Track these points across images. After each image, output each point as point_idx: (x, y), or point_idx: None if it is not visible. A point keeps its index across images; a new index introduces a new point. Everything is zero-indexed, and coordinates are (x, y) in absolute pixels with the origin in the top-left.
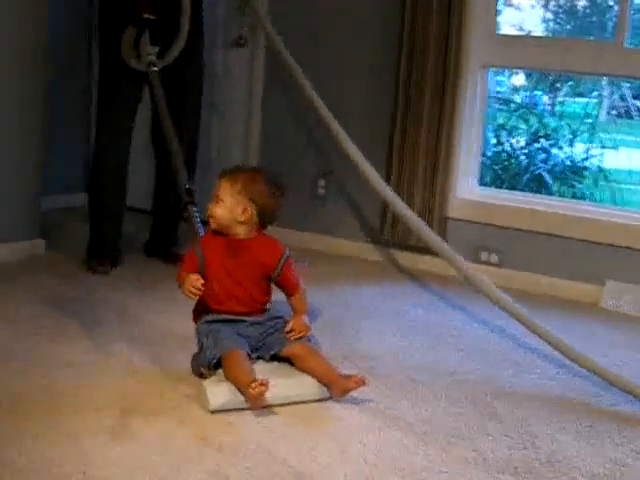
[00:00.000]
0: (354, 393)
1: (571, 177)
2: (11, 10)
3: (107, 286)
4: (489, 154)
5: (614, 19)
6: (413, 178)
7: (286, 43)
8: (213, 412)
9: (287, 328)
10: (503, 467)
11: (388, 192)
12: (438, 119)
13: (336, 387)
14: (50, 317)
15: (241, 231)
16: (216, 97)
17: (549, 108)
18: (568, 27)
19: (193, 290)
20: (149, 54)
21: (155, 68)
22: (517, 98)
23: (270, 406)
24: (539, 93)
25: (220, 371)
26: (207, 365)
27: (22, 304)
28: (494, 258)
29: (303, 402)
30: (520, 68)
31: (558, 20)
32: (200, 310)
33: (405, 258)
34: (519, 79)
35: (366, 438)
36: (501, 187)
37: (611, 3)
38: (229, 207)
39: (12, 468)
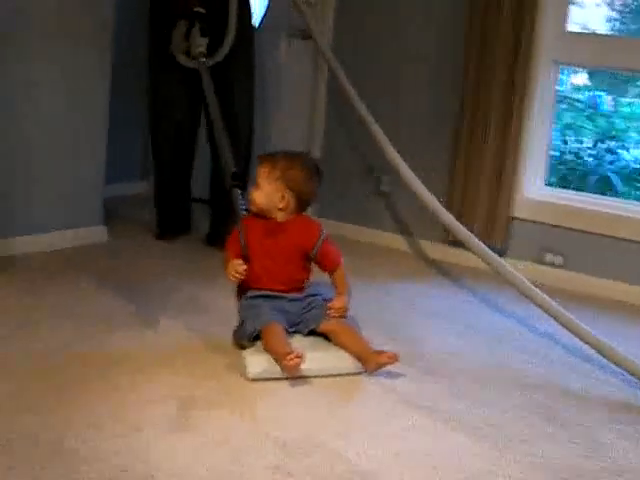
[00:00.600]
0: (416, 392)
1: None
2: (77, 9)
3: (166, 273)
4: (555, 154)
5: None
6: (479, 177)
7: (349, 39)
8: (253, 380)
9: (329, 305)
10: (569, 475)
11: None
12: (506, 117)
13: (370, 362)
14: (109, 305)
15: (280, 215)
16: (280, 89)
17: (612, 109)
18: (633, 27)
19: (236, 275)
20: (199, 45)
21: (204, 59)
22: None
23: (306, 377)
24: (601, 93)
25: (259, 343)
26: (247, 337)
27: (83, 291)
28: (559, 260)
29: (338, 375)
30: (592, 67)
31: (623, 20)
32: (243, 288)
33: (469, 258)
34: (580, 78)
35: (428, 439)
36: (567, 188)
37: None
38: (268, 194)
39: (75, 457)
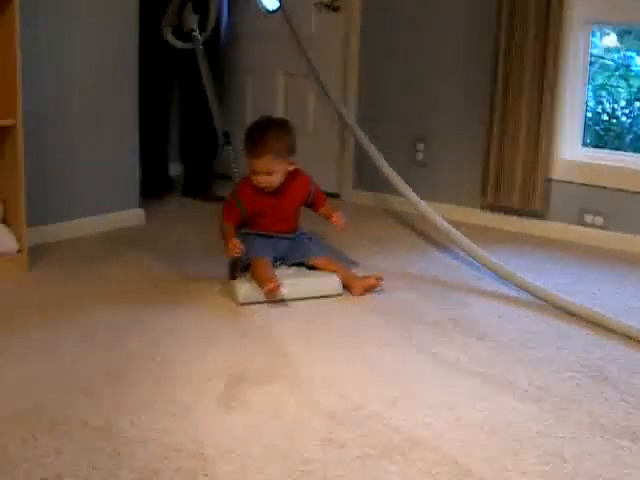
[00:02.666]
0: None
1: None
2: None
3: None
4: (589, 115)
5: None
6: (516, 140)
7: None
8: (242, 304)
9: (332, 220)
10: (621, 432)
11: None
12: (541, 79)
13: (356, 287)
14: (155, 285)
15: (284, 177)
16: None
17: None
18: None
19: (235, 253)
20: (192, 21)
21: (196, 33)
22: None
23: (293, 300)
24: (633, 54)
25: (247, 275)
26: (241, 267)
27: (125, 273)
28: (599, 220)
29: (320, 297)
30: (627, 24)
31: None
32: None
33: (508, 222)
34: (610, 40)
35: (480, 404)
36: (603, 148)
37: None
38: (283, 171)
39: (125, 438)
